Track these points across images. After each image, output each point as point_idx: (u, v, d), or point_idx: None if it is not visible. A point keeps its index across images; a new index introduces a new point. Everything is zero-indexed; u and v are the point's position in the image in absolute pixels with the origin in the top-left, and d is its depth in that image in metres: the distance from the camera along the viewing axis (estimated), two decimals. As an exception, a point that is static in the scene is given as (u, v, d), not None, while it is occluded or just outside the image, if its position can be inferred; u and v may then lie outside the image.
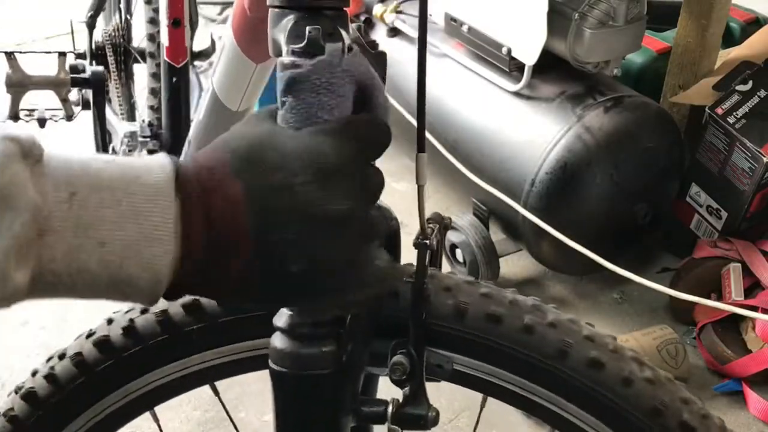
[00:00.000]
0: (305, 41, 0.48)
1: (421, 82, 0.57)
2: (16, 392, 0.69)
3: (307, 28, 0.48)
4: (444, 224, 0.63)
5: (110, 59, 1.63)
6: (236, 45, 0.91)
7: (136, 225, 0.42)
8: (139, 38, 1.63)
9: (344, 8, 0.51)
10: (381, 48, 0.54)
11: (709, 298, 1.63)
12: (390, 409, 0.59)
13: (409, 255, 0.60)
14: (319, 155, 0.46)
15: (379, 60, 0.53)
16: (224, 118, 1.00)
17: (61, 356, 0.69)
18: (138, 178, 0.43)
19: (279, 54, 0.50)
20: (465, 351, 0.61)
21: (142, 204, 0.43)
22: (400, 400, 0.59)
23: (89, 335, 0.69)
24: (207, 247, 0.45)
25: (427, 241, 0.59)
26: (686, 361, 1.57)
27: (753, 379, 1.56)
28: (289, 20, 0.50)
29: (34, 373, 0.69)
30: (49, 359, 0.70)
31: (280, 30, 0.50)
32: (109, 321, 0.69)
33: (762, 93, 1.69)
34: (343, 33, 0.49)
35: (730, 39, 2.06)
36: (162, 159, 0.45)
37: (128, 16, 1.68)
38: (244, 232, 0.45)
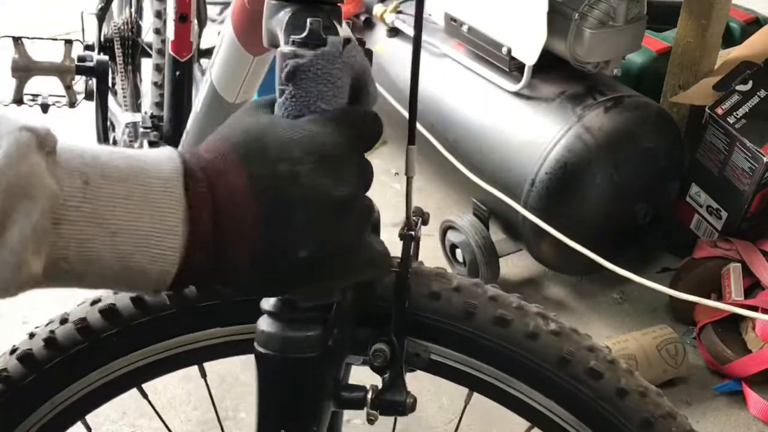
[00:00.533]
0: (306, 32, 0.49)
1: (414, 77, 0.58)
2: None
3: (308, 20, 0.49)
4: (424, 219, 0.65)
5: (118, 52, 1.63)
6: (235, 38, 0.93)
7: (148, 216, 0.43)
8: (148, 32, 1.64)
9: (339, 4, 0.52)
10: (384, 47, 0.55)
11: (709, 298, 1.63)
12: (369, 395, 0.60)
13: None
14: (320, 143, 0.47)
15: (366, 57, 0.54)
16: (221, 110, 1.01)
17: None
18: (148, 169, 0.44)
19: (272, 44, 0.51)
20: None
21: (154, 195, 0.43)
22: (379, 387, 0.61)
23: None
24: (214, 234, 0.45)
25: (413, 233, 0.61)
26: (686, 361, 1.57)
27: (753, 379, 1.56)
28: (287, 12, 0.51)
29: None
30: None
31: (276, 21, 0.52)
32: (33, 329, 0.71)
33: (762, 93, 1.69)
34: (338, 27, 0.51)
35: (730, 39, 2.05)
36: (169, 152, 0.46)
37: (137, 17, 1.69)
38: (250, 220, 0.46)
